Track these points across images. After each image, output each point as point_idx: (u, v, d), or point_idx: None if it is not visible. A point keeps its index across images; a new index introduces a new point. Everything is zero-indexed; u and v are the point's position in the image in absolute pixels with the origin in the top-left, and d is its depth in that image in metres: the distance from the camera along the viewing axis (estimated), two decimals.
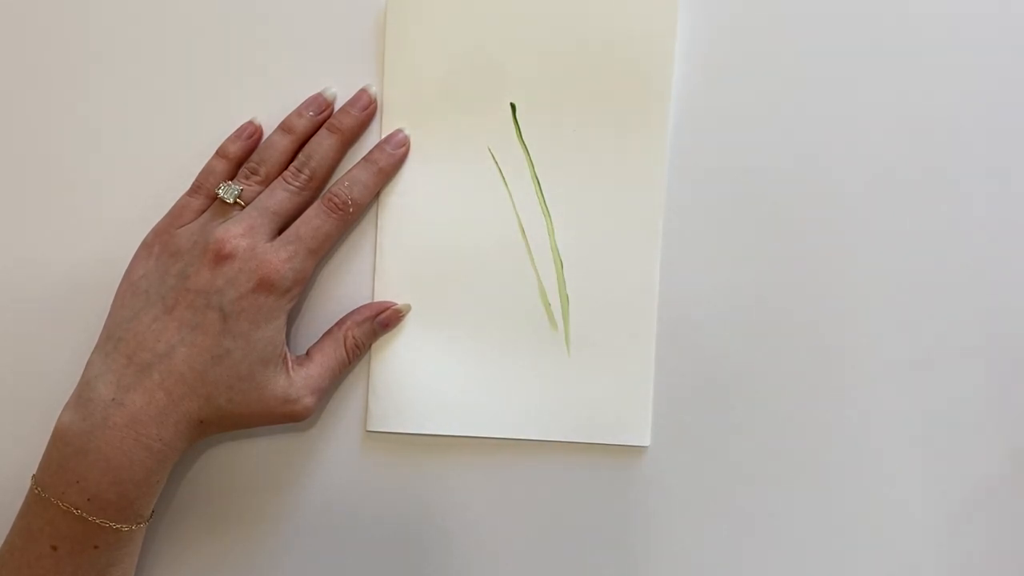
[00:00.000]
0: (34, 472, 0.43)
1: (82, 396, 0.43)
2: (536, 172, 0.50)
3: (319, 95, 0.49)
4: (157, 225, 0.47)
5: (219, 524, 0.49)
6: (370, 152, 0.48)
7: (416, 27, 0.49)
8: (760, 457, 0.49)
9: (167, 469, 0.44)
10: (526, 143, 0.50)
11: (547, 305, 0.49)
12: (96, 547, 0.42)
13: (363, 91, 0.49)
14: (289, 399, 0.45)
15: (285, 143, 0.47)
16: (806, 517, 0.49)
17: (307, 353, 0.47)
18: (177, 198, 0.48)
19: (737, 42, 0.50)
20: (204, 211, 0.47)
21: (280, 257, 0.44)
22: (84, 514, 0.41)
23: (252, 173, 0.47)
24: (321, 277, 0.49)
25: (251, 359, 0.44)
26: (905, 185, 0.50)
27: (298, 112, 0.48)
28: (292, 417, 0.46)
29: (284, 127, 0.48)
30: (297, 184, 0.46)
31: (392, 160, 0.48)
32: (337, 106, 0.49)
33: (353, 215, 0.47)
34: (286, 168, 0.47)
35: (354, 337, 0.48)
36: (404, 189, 0.49)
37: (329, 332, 0.48)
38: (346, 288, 0.49)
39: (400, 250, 0.49)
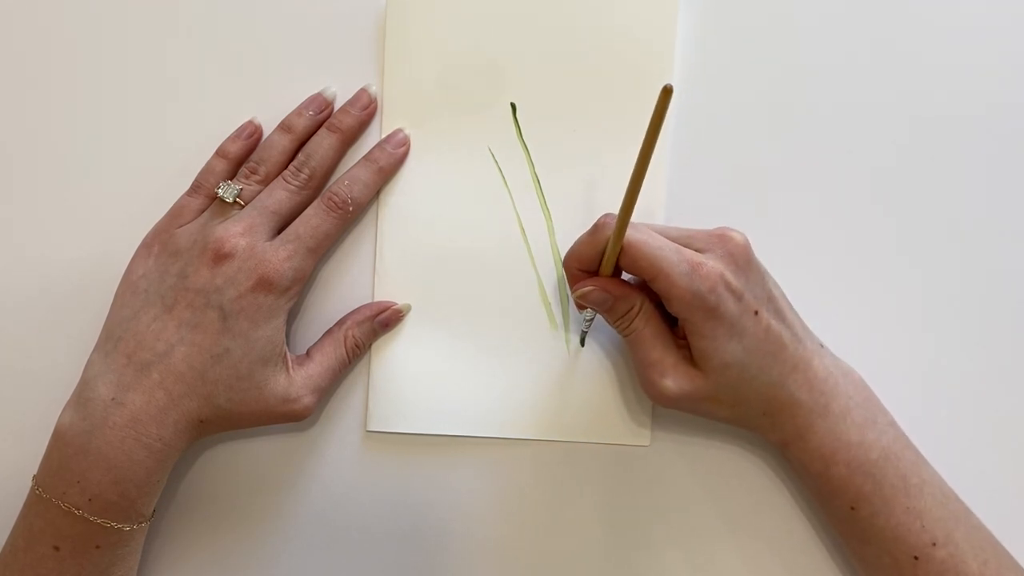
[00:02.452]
0: (34, 472, 0.43)
1: (82, 396, 0.43)
2: (536, 172, 0.50)
3: (319, 95, 0.49)
4: (157, 225, 0.47)
5: (219, 524, 0.49)
6: (370, 151, 0.48)
7: (416, 27, 0.49)
8: (759, 457, 0.49)
9: (167, 468, 0.44)
10: (526, 143, 0.50)
11: (547, 305, 0.49)
12: (98, 547, 0.42)
13: (363, 91, 0.49)
14: (289, 398, 0.45)
15: (285, 142, 0.47)
16: (805, 517, 0.49)
17: (307, 353, 0.47)
18: (177, 198, 0.48)
19: (737, 42, 0.50)
20: (204, 211, 0.47)
21: (279, 256, 0.44)
22: (85, 514, 0.41)
23: (252, 172, 0.47)
24: (321, 277, 0.49)
25: (251, 358, 0.44)
26: (906, 184, 0.50)
27: (298, 111, 0.48)
28: (292, 417, 0.46)
29: (284, 126, 0.48)
30: (297, 183, 0.46)
31: (392, 159, 0.48)
32: (337, 106, 0.49)
33: (352, 214, 0.47)
34: (286, 167, 0.47)
35: (354, 337, 0.48)
36: (404, 189, 0.49)
37: (329, 332, 0.48)
38: (346, 288, 0.49)
39: (400, 250, 0.49)
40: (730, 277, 0.42)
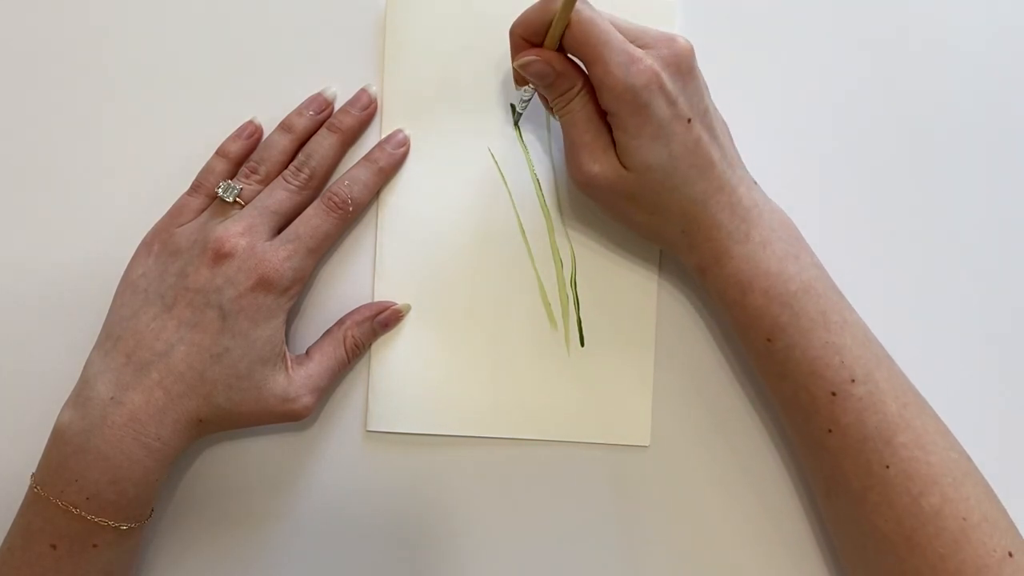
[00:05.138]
0: (33, 471, 0.43)
1: (81, 395, 0.43)
2: (536, 172, 0.50)
3: (319, 94, 0.49)
4: (157, 224, 0.47)
5: (219, 524, 0.49)
6: (370, 151, 0.49)
7: (416, 27, 0.49)
8: (760, 457, 0.49)
9: (166, 468, 0.43)
10: (526, 143, 0.50)
11: (547, 305, 0.49)
12: (95, 546, 0.42)
13: (363, 91, 0.49)
14: (288, 398, 0.45)
15: (285, 142, 0.48)
16: (806, 517, 0.49)
17: (307, 352, 0.47)
18: (177, 198, 0.48)
19: (734, 43, 0.50)
20: (204, 210, 0.47)
21: (279, 256, 0.44)
22: (83, 513, 0.41)
23: (252, 172, 0.47)
24: (321, 277, 0.49)
25: (250, 358, 0.44)
26: (905, 183, 0.50)
27: (298, 111, 0.48)
28: (291, 416, 0.46)
29: (284, 126, 0.48)
30: (297, 183, 0.46)
31: (392, 160, 0.48)
32: (337, 106, 0.49)
33: (353, 214, 0.47)
34: (286, 167, 0.47)
35: (354, 337, 0.48)
36: (404, 189, 0.49)
37: (329, 332, 0.48)
38: (346, 288, 0.49)
39: (400, 250, 0.49)
40: (666, 79, 0.41)
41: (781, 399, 0.45)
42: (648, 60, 0.41)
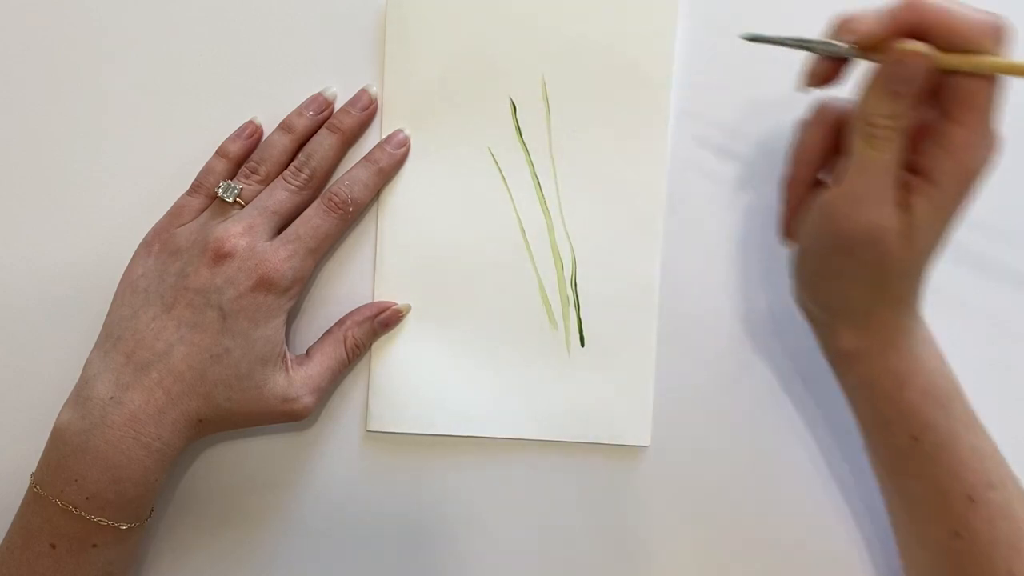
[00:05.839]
0: (33, 471, 0.43)
1: (81, 395, 0.43)
2: (536, 172, 0.50)
3: (319, 95, 0.49)
4: (157, 224, 0.47)
5: (219, 524, 0.49)
6: (370, 152, 0.48)
7: (416, 27, 0.49)
8: (760, 457, 0.49)
9: (166, 468, 0.43)
10: (526, 143, 0.50)
11: (547, 305, 0.49)
12: (95, 545, 0.42)
13: (363, 91, 0.49)
14: (288, 398, 0.45)
15: (285, 142, 0.48)
16: (806, 517, 0.49)
17: (307, 352, 0.47)
18: (177, 198, 0.48)
19: (737, 42, 0.50)
20: (204, 210, 0.47)
21: (279, 256, 0.44)
22: (83, 512, 0.41)
23: (252, 172, 0.47)
24: (321, 277, 0.49)
25: (250, 358, 0.44)
26: None
27: (298, 111, 0.48)
28: (291, 416, 0.46)
29: (284, 126, 0.48)
30: (297, 183, 0.46)
31: (392, 160, 0.48)
32: (337, 106, 0.49)
33: (353, 214, 0.47)
34: (286, 167, 0.47)
35: (354, 337, 0.48)
36: (404, 189, 0.49)
37: (329, 332, 0.48)
38: (346, 288, 0.49)
39: (400, 250, 0.49)
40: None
41: (905, 498, 0.43)
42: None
